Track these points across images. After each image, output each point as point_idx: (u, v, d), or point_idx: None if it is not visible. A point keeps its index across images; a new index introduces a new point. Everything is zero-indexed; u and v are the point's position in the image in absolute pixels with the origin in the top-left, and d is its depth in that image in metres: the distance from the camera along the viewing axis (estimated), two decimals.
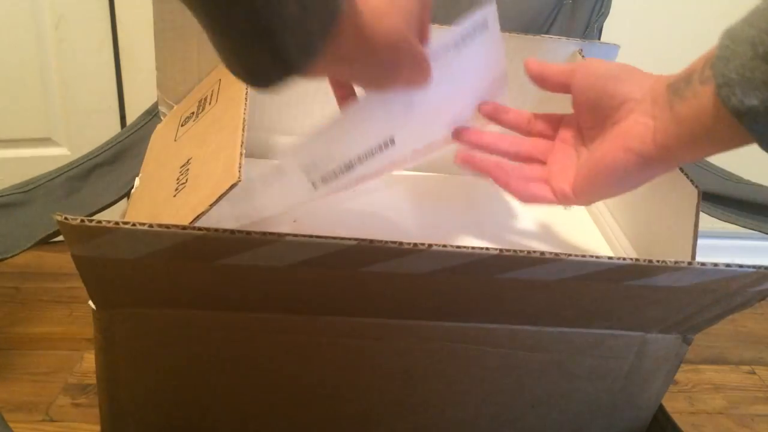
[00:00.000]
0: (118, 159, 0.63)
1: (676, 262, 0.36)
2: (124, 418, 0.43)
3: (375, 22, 0.32)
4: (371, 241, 0.33)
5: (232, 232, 0.32)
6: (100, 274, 0.34)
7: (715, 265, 0.36)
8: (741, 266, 0.37)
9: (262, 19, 0.26)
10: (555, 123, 0.45)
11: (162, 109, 0.57)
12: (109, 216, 0.33)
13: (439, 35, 0.40)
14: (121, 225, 0.30)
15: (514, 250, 0.34)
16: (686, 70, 0.35)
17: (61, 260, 1.09)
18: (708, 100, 0.32)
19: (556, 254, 0.35)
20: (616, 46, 0.59)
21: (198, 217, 0.35)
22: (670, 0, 1.04)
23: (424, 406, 0.46)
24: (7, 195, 0.58)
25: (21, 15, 0.96)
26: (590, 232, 0.56)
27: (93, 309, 0.37)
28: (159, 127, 0.57)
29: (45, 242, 0.55)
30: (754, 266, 0.37)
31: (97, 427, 0.43)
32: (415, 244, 0.33)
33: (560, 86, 0.43)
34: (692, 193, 0.43)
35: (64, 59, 1.00)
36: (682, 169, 0.45)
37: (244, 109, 0.42)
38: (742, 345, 1.12)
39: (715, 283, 0.38)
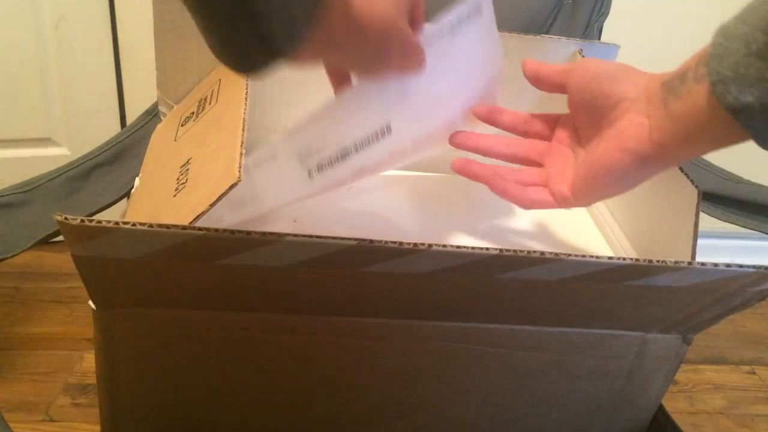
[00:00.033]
0: (118, 159, 0.63)
1: (676, 262, 0.36)
2: (124, 418, 0.43)
3: (364, 7, 0.32)
4: (371, 241, 0.33)
5: (232, 232, 0.32)
6: (100, 274, 0.34)
7: (715, 265, 0.36)
8: (741, 266, 0.37)
9: (247, 3, 0.26)
10: (552, 123, 0.45)
11: (162, 109, 0.57)
12: (109, 216, 0.33)
13: (432, 23, 0.40)
14: (121, 225, 0.30)
15: (514, 250, 0.34)
16: (680, 68, 0.35)
17: (61, 260, 1.09)
18: (703, 97, 0.32)
19: (556, 254, 0.35)
20: (616, 46, 0.59)
21: (198, 217, 0.35)
22: (670, 0, 1.04)
23: (424, 406, 0.46)
24: (7, 195, 0.57)
25: (21, 15, 0.96)
26: (590, 232, 0.56)
27: (93, 309, 0.37)
28: (159, 127, 0.57)
29: (45, 242, 0.55)
30: (754, 266, 0.37)
31: (97, 427, 0.43)
32: (415, 244, 0.33)
33: (556, 86, 0.43)
34: (692, 193, 0.43)
35: (64, 59, 1.00)
36: (682, 169, 0.45)
37: (244, 109, 0.42)
38: (742, 345, 1.12)
39: (715, 283, 0.38)
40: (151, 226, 0.31)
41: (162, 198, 0.42)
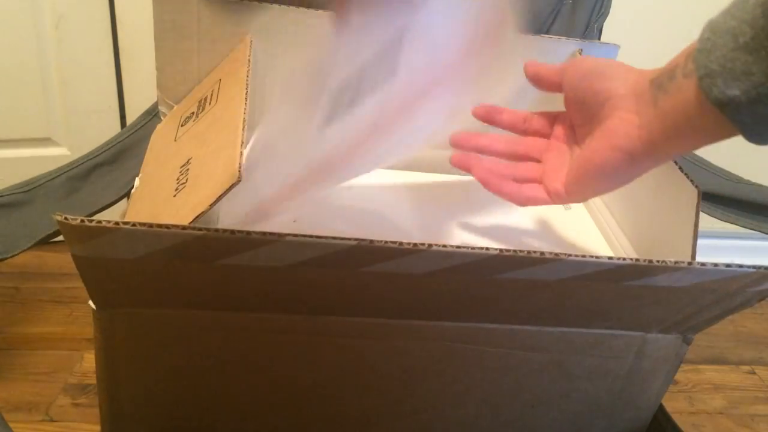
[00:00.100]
0: (118, 159, 0.63)
1: (676, 262, 0.36)
2: (124, 418, 0.43)
3: None
4: (371, 241, 0.33)
5: (232, 232, 0.32)
6: (100, 274, 0.34)
7: (715, 265, 0.36)
8: (741, 266, 0.37)
9: None
10: (551, 120, 0.46)
11: (162, 109, 0.57)
12: (109, 216, 0.33)
13: None
14: (121, 225, 0.30)
15: (514, 250, 0.34)
16: (669, 64, 0.35)
17: (61, 260, 1.09)
18: (691, 92, 0.32)
19: (556, 254, 0.35)
20: (616, 46, 0.59)
21: (198, 217, 0.35)
22: (670, 0, 1.04)
23: (424, 406, 0.46)
24: (7, 195, 0.57)
25: (21, 15, 0.96)
26: (590, 231, 0.56)
27: (93, 309, 0.37)
28: (159, 127, 0.57)
29: (45, 242, 0.55)
30: (754, 266, 0.37)
31: (97, 427, 0.43)
32: (415, 244, 0.33)
33: (554, 85, 0.43)
34: (692, 193, 0.43)
35: (64, 59, 1.00)
36: (681, 169, 0.45)
37: (244, 109, 0.42)
38: (742, 345, 1.12)
39: (715, 283, 0.38)
40: (151, 226, 0.31)
41: (162, 198, 0.42)
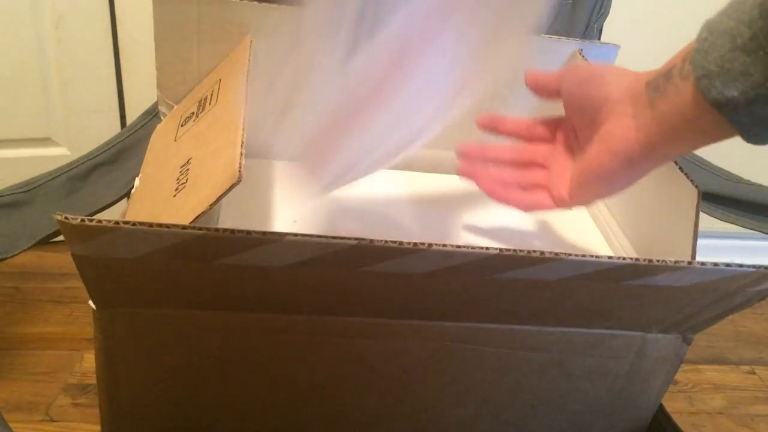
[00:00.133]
0: (118, 159, 0.63)
1: (676, 262, 0.36)
2: (124, 418, 0.43)
3: None
4: (371, 241, 0.33)
5: (232, 232, 0.32)
6: (100, 274, 0.34)
7: (715, 264, 0.36)
8: (741, 266, 0.37)
9: None
10: (554, 126, 0.46)
11: (162, 109, 0.57)
12: (109, 216, 0.33)
13: None
14: (121, 225, 0.30)
15: (514, 250, 0.34)
16: (665, 66, 0.35)
17: (61, 260, 1.09)
18: (689, 94, 0.32)
19: (556, 254, 0.35)
20: (616, 46, 0.59)
21: (198, 217, 0.35)
22: (670, 0, 1.04)
23: (424, 406, 0.46)
24: (7, 195, 0.58)
25: (21, 15, 0.96)
26: (590, 231, 0.56)
27: (93, 309, 0.37)
28: (159, 127, 0.57)
29: (45, 242, 0.55)
30: (754, 266, 0.37)
31: (97, 427, 0.43)
32: (415, 244, 0.33)
33: (553, 93, 0.43)
34: (692, 193, 0.43)
35: (64, 59, 1.00)
36: (682, 169, 0.45)
37: (244, 109, 0.42)
38: (742, 345, 1.12)
39: (715, 283, 0.38)
40: (151, 225, 0.31)
41: (162, 198, 0.42)
